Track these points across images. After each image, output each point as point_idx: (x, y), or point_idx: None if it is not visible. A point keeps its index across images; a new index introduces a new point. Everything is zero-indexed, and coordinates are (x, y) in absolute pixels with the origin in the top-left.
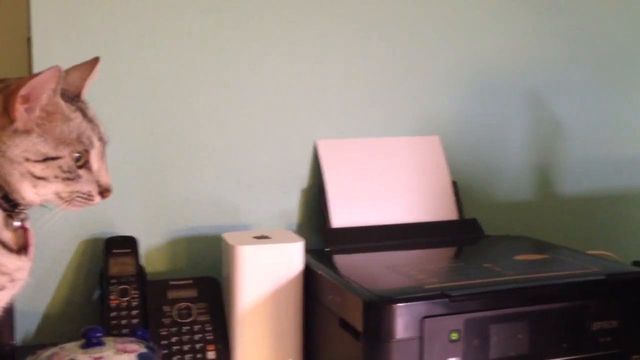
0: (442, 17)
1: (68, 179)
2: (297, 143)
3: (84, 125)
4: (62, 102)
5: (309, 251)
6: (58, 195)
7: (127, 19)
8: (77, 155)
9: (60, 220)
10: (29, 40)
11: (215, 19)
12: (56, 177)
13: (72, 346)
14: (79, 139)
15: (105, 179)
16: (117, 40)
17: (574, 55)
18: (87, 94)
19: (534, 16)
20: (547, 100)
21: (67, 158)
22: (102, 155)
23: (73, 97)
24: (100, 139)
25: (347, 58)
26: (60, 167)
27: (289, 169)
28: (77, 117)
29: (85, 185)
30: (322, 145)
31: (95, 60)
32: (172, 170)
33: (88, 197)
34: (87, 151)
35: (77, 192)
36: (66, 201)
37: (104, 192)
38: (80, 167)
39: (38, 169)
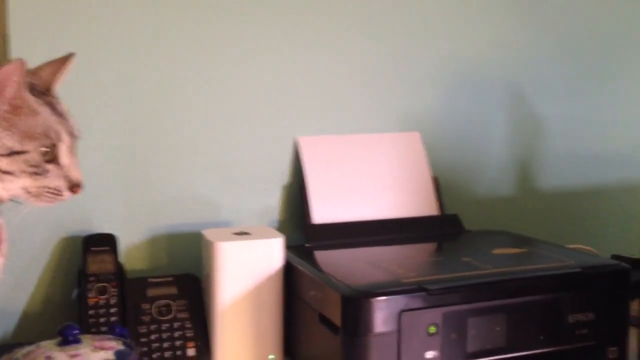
0: (423, 13)
1: (35, 173)
2: (278, 139)
3: (52, 119)
4: (29, 96)
5: (289, 247)
6: (26, 190)
7: (106, 15)
8: (44, 149)
9: (38, 217)
10: (6, 37)
11: (197, 16)
12: (23, 171)
13: (49, 344)
14: (45, 133)
15: (75, 174)
16: (97, 36)
17: (555, 52)
18: (67, 91)
19: (515, 12)
20: (527, 97)
21: (33, 152)
22: (72, 150)
23: (43, 92)
24: (70, 133)
25: (328, 55)
26: (26, 161)
27: (270, 165)
28: (44, 111)
29: (54, 180)
30: (303, 141)
31: (69, 56)
32: (152, 167)
33: (57, 193)
34: (55, 146)
35: (45, 187)
36: (34, 196)
37: (73, 187)
38: (48, 161)
39: (4, 163)
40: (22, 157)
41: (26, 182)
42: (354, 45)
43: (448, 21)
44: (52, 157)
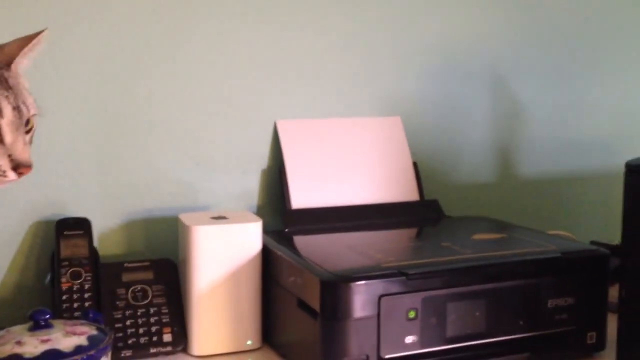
0: None
1: None
2: (256, 123)
3: None
4: None
5: (268, 232)
6: None
7: None
8: None
9: (10, 201)
10: None
11: None
12: None
13: (19, 329)
14: None
15: (20, 154)
16: (69, 15)
17: (536, 36)
18: (39, 71)
19: None
20: (508, 81)
21: None
22: (18, 127)
23: None
24: (16, 108)
25: (308, 37)
26: None
27: (248, 149)
28: None
29: None
30: (281, 125)
31: (40, 31)
32: (128, 150)
33: (0, 173)
34: None
35: None
36: None
37: (18, 167)
38: None
39: None
40: None
41: None
42: (335, 28)
43: (430, 6)
44: None
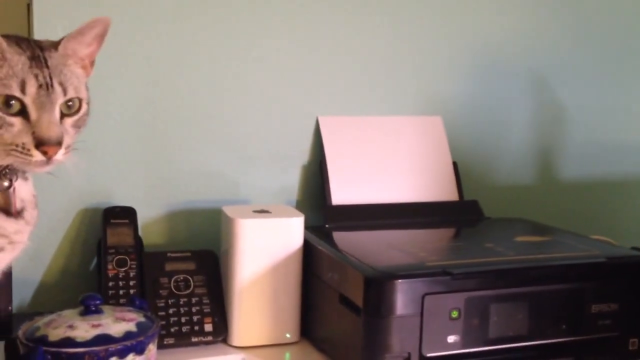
0: None
1: None
2: (298, 119)
3: (19, 68)
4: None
5: (308, 227)
6: None
7: None
8: (10, 102)
9: (58, 188)
10: (29, 7)
11: None
12: None
13: (70, 313)
14: (5, 83)
15: (43, 131)
16: (119, 7)
17: (579, 39)
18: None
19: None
20: (550, 84)
21: None
22: (44, 105)
23: (40, 46)
24: (43, 86)
25: (351, 35)
26: None
27: (290, 144)
28: (14, 59)
29: (20, 136)
30: (323, 121)
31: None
32: (173, 142)
33: (24, 151)
34: (18, 98)
35: (10, 143)
36: (6, 154)
37: (41, 144)
38: (14, 114)
39: None
40: None
41: None
42: (378, 27)
43: (472, 6)
44: (18, 111)
